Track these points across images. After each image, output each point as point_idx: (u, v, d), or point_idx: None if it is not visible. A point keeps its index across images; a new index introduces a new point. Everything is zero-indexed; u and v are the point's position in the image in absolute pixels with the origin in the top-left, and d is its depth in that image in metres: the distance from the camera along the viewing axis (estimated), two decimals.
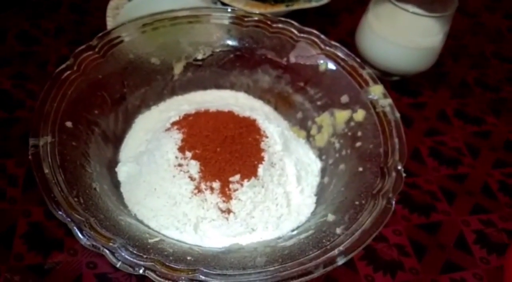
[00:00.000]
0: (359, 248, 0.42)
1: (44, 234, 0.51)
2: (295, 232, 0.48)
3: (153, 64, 0.57)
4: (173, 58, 0.58)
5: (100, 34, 0.54)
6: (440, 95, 0.73)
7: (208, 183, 0.48)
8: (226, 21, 0.59)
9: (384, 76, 0.71)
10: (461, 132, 0.69)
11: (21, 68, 0.66)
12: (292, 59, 0.58)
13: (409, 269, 0.54)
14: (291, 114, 0.60)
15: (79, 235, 0.40)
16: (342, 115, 0.55)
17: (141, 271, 0.39)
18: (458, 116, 0.71)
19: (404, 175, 0.47)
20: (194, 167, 0.48)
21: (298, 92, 0.59)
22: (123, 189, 0.51)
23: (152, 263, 0.39)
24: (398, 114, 0.52)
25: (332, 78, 0.57)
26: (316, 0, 0.76)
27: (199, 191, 0.48)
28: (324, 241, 0.43)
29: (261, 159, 0.50)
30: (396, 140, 0.50)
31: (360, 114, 0.53)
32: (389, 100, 0.53)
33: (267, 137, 0.52)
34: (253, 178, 0.49)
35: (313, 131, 0.58)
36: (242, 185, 0.48)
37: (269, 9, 0.71)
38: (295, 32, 0.58)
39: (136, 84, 0.56)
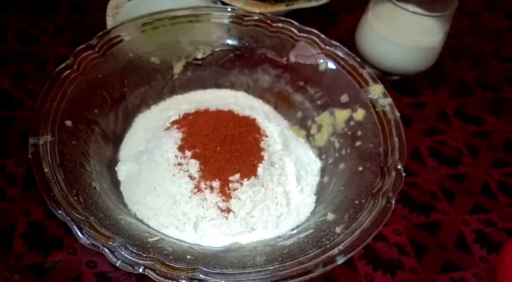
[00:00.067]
0: (359, 247, 0.42)
1: (44, 233, 0.51)
2: (294, 231, 0.48)
3: (153, 64, 0.57)
4: (173, 58, 0.58)
5: (100, 34, 0.54)
6: (440, 95, 0.73)
7: (207, 182, 0.48)
8: (226, 21, 0.59)
9: (384, 76, 0.71)
10: (461, 132, 0.69)
11: (21, 68, 0.66)
12: (292, 59, 0.58)
13: (409, 269, 0.54)
14: (291, 113, 0.60)
15: (79, 234, 0.40)
16: (342, 114, 0.55)
17: (140, 270, 0.39)
18: (458, 116, 0.71)
19: (404, 174, 0.47)
20: (193, 166, 0.48)
21: (298, 92, 0.59)
22: (123, 188, 0.51)
23: (152, 262, 0.39)
24: (398, 114, 0.52)
25: (332, 77, 0.57)
26: (316, 0, 0.76)
27: (199, 190, 0.48)
28: (323, 240, 0.43)
29: (260, 158, 0.50)
30: (396, 139, 0.50)
31: (360, 114, 0.53)
32: (389, 100, 0.53)
33: (267, 136, 0.52)
34: (252, 177, 0.49)
35: (313, 130, 0.58)
36: (241, 184, 0.48)
37: (269, 9, 0.71)
38: (295, 31, 0.58)
39: (136, 83, 0.56)
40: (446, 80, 0.76)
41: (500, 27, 0.87)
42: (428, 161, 0.64)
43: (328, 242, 0.43)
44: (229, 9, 0.60)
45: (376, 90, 0.53)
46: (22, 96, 0.63)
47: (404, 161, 0.48)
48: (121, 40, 0.55)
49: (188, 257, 0.41)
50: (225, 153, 0.49)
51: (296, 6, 0.74)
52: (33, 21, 0.73)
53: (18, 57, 0.68)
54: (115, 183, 0.51)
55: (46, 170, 0.43)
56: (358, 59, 0.56)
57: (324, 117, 0.56)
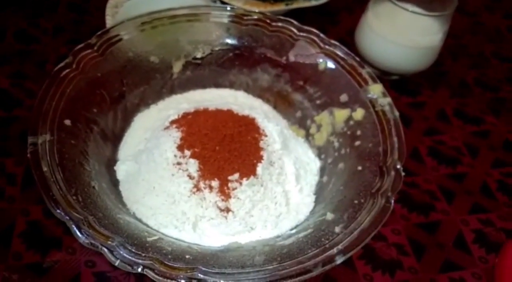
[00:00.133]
0: (358, 247, 0.42)
1: (43, 232, 0.51)
2: (294, 231, 0.48)
3: (152, 63, 0.57)
4: (172, 57, 0.58)
5: (99, 33, 0.54)
6: (439, 94, 0.73)
7: (207, 182, 0.48)
8: (226, 20, 0.59)
9: (384, 75, 0.71)
10: (460, 132, 0.69)
11: (20, 67, 0.66)
12: (292, 58, 0.58)
13: (408, 268, 0.54)
14: (290, 113, 0.60)
15: (78, 233, 0.40)
16: (341, 114, 0.55)
17: (139, 270, 0.39)
18: (458, 116, 0.71)
19: (403, 174, 0.47)
20: (193, 166, 0.48)
21: (297, 91, 0.59)
22: (121, 187, 0.51)
23: (151, 262, 0.39)
24: (397, 113, 0.52)
25: (332, 77, 0.56)
26: None
27: (198, 189, 0.48)
28: (323, 239, 0.43)
29: (260, 158, 0.50)
30: (395, 139, 0.50)
31: (359, 113, 0.53)
32: (388, 99, 0.53)
33: (266, 136, 0.52)
34: (252, 177, 0.49)
35: (312, 130, 0.58)
36: (241, 183, 0.48)
37: (268, 8, 0.71)
38: (295, 31, 0.58)
39: (135, 82, 0.56)
40: (445, 80, 0.76)
41: (500, 27, 0.87)
42: (428, 161, 0.64)
43: (327, 241, 0.43)
44: (228, 9, 0.60)
45: (375, 90, 0.53)
46: (21, 95, 0.63)
47: (403, 160, 0.48)
48: (120, 39, 0.55)
49: (187, 256, 0.41)
50: (224, 152, 0.49)
51: (295, 5, 0.74)
52: (32, 20, 0.73)
53: (17, 57, 0.68)
54: (114, 182, 0.51)
55: (45, 169, 0.43)
56: (357, 58, 0.56)
57: (323, 117, 0.56)
